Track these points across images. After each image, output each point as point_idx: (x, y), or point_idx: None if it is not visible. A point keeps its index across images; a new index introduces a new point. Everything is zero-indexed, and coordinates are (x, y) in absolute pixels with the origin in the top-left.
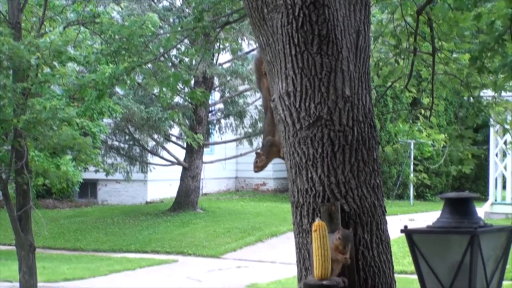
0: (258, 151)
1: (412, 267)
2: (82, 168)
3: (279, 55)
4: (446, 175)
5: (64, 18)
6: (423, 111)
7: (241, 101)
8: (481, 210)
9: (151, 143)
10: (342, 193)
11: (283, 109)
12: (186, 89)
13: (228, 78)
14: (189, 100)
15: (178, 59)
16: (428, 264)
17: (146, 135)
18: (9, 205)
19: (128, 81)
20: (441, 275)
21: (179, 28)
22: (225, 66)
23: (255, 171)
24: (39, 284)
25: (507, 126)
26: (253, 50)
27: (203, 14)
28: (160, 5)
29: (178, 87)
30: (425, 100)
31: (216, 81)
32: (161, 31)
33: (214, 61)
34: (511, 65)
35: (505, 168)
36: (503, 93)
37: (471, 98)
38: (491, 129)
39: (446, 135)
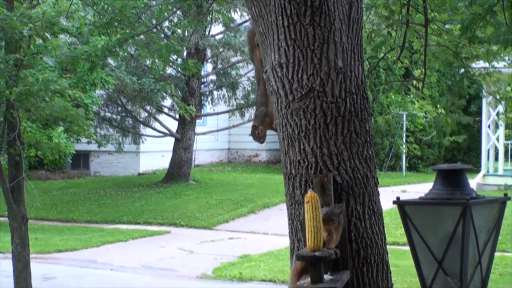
0: (254, 123)
1: (404, 239)
2: (74, 139)
3: (271, 26)
4: (438, 146)
5: None
6: (415, 83)
7: (233, 72)
8: (473, 182)
9: (144, 115)
10: (335, 164)
11: (276, 80)
12: (179, 61)
13: (221, 49)
14: (182, 71)
15: (171, 31)
16: (420, 236)
17: (139, 106)
18: (2, 176)
19: (121, 53)
20: (433, 247)
21: (172, 0)
22: (217, 37)
23: (261, 142)
24: (31, 255)
25: (499, 97)
26: (245, 21)
27: None
28: None
29: (170, 58)
30: (417, 72)
31: (208, 53)
32: (154, 3)
33: (207, 32)
34: (503, 36)
35: (497, 139)
36: (496, 64)
37: (462, 69)
38: (484, 101)
39: (438, 107)
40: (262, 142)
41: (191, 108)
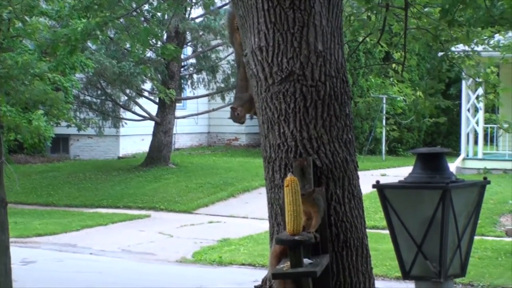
0: (233, 105)
1: (383, 223)
2: (54, 123)
3: (251, 9)
4: (418, 130)
5: None
6: (395, 66)
7: (213, 56)
8: (453, 166)
9: (123, 98)
10: (314, 148)
11: (256, 64)
12: (159, 44)
13: (201, 33)
14: (161, 55)
15: (151, 14)
16: (400, 219)
17: (118, 90)
18: None
19: (100, 36)
20: (413, 230)
21: None
22: (197, 20)
23: (241, 123)
24: (11, 239)
25: (479, 79)
26: (225, 4)
27: None
28: None
29: (150, 42)
30: (397, 55)
31: (188, 36)
32: None
33: (187, 15)
34: (483, 18)
35: (477, 123)
36: (475, 48)
37: (442, 53)
38: (463, 84)
39: (417, 90)
40: (242, 123)
41: (171, 92)
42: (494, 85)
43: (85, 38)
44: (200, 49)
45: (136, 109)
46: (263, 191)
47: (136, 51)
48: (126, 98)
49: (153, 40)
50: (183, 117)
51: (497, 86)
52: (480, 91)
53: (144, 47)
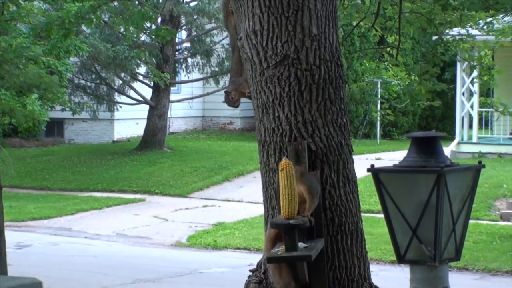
0: (227, 89)
1: (378, 206)
2: (48, 107)
3: None
4: (413, 114)
5: None
6: (389, 50)
7: (208, 40)
8: (448, 150)
9: (118, 82)
10: (309, 132)
11: (250, 47)
12: (153, 28)
13: (195, 16)
14: (155, 38)
15: None
16: (394, 203)
17: (113, 74)
18: None
19: (95, 20)
20: (408, 214)
21: None
22: (192, 4)
23: (235, 107)
24: (6, 223)
25: (474, 62)
26: None
27: None
28: None
29: (144, 25)
30: (391, 39)
31: (183, 20)
32: None
33: None
34: (477, 2)
35: (471, 107)
36: (471, 31)
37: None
38: (458, 68)
39: (412, 74)
40: (236, 106)
41: (166, 76)
42: (488, 67)
43: (79, 21)
44: (195, 33)
45: (131, 93)
46: (258, 175)
47: (130, 34)
48: (120, 82)
49: (148, 24)
50: (178, 101)
51: (491, 68)
52: (475, 73)
53: (138, 31)
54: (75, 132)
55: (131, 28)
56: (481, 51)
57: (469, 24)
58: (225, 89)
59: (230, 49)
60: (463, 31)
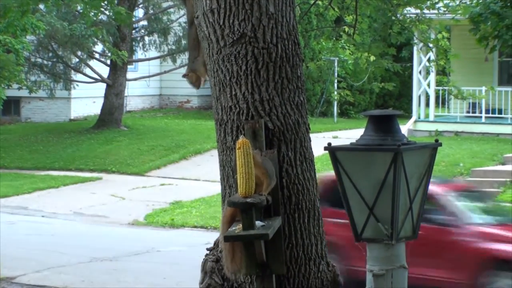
0: (184, 73)
1: None
2: (5, 85)
3: None
4: (370, 92)
5: None
6: (347, 29)
7: (165, 18)
8: (405, 128)
9: (75, 60)
10: (266, 110)
11: (207, 26)
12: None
13: None
14: (113, 19)
15: None
16: (351, 181)
17: (70, 52)
18: None
19: None
20: (365, 192)
21: None
22: None
23: (197, 88)
24: None
25: (430, 44)
26: None
27: None
28: None
29: (101, 3)
30: (349, 18)
31: None
32: None
33: None
34: None
35: (428, 85)
36: (426, 12)
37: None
38: (415, 47)
39: (367, 52)
40: (198, 88)
41: (123, 54)
42: (445, 50)
43: (37, 2)
44: (152, 11)
45: (88, 71)
46: (215, 153)
47: (87, 13)
48: (77, 60)
49: (105, 2)
50: (135, 79)
51: (448, 51)
52: (432, 55)
53: (96, 10)
54: (32, 111)
55: (88, 7)
56: (437, 33)
57: (426, 6)
58: (183, 74)
59: (186, 27)
60: (419, 11)
